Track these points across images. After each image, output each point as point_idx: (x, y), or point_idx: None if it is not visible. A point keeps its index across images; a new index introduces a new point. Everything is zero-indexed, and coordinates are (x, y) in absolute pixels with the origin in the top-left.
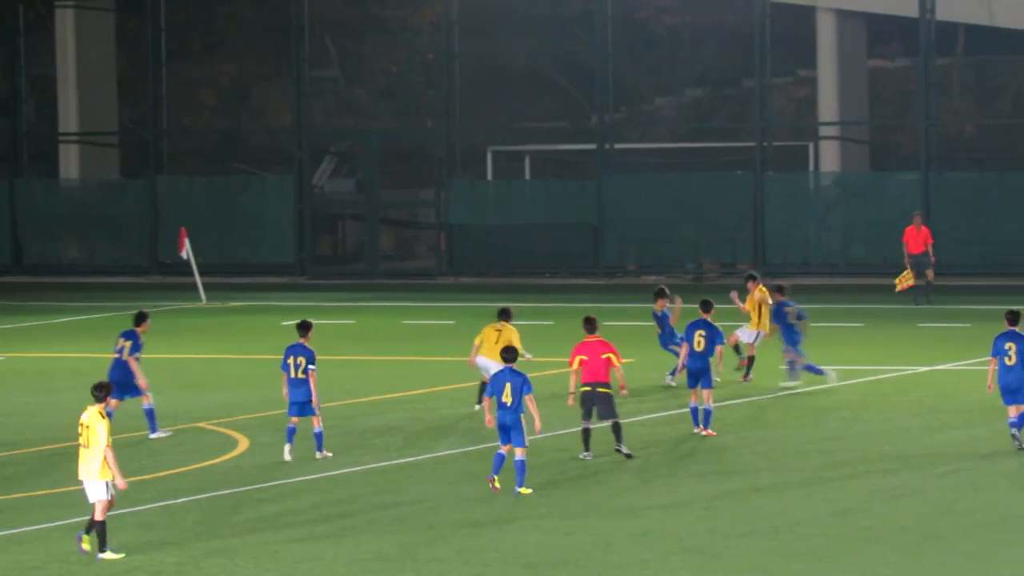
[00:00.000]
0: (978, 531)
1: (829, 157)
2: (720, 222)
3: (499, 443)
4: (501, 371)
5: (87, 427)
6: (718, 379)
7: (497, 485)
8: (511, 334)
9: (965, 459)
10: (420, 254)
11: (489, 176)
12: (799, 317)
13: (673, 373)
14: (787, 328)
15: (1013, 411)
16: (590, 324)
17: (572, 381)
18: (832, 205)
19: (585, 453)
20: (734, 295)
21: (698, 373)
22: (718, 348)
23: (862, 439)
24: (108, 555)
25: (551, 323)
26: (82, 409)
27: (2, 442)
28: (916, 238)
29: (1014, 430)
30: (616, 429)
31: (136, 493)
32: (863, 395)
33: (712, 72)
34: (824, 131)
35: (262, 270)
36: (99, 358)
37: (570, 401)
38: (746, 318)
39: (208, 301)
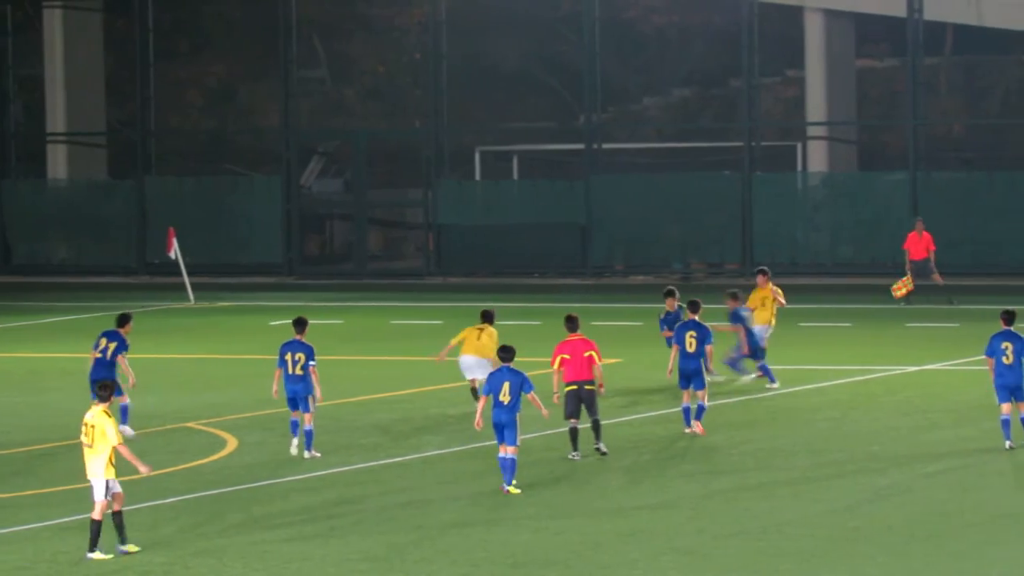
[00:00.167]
0: (967, 531)
1: (817, 157)
2: (708, 222)
3: (495, 442)
4: (499, 370)
5: (92, 427)
6: (719, 378)
7: (512, 490)
8: (490, 338)
9: (954, 459)
10: (408, 254)
11: (477, 176)
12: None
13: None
14: (750, 332)
15: (1006, 408)
16: (572, 323)
17: (555, 381)
18: (820, 205)
19: (574, 453)
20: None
21: (690, 374)
22: (708, 348)
23: (851, 439)
24: (96, 555)
25: (539, 323)
26: (70, 409)
27: None
28: (918, 244)
29: (1007, 430)
30: (596, 426)
31: (124, 493)
32: (852, 395)
33: (700, 72)
34: (812, 131)
35: (250, 270)
36: (88, 358)
37: (555, 399)
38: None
39: (196, 301)
